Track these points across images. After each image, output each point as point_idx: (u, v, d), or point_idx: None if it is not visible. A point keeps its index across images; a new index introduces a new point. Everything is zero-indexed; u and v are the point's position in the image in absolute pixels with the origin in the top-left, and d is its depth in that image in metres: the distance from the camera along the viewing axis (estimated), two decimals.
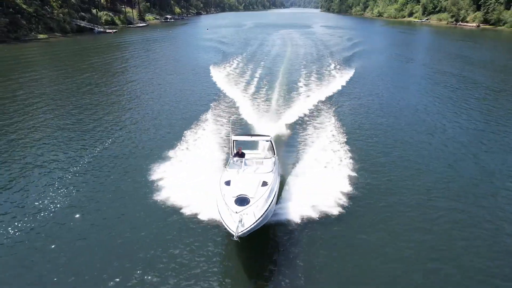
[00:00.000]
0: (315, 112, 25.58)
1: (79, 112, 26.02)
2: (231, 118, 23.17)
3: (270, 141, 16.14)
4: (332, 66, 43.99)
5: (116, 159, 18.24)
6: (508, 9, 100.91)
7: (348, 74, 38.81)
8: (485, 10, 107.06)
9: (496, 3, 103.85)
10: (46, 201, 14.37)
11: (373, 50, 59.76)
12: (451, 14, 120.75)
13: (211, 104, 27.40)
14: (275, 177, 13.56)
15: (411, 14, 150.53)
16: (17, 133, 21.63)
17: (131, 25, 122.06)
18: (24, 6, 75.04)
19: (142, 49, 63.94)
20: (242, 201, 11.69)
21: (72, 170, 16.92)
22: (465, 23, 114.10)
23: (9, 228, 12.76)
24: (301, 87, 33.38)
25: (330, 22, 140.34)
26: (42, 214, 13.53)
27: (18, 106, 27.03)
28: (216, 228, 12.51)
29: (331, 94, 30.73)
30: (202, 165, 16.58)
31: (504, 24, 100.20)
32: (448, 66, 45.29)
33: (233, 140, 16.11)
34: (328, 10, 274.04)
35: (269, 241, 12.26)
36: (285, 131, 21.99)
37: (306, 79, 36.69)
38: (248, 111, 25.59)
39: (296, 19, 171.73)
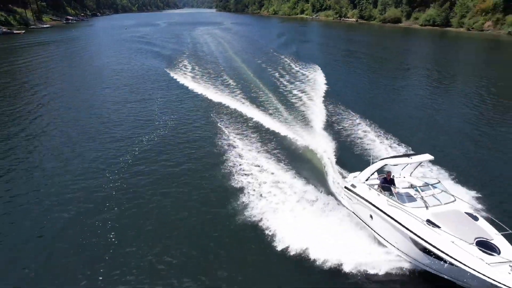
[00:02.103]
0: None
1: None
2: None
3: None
4: (291, 58, 51.87)
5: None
6: (376, 7, 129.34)
7: (315, 68, 44.08)
8: (360, 8, 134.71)
9: (367, 3, 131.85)
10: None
11: (298, 39, 76.00)
12: (335, 11, 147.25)
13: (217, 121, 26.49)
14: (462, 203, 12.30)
15: (302, 12, 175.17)
16: None
17: (35, 26, 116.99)
18: None
19: (75, 52, 67.42)
20: (486, 245, 10.09)
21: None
22: (346, 19, 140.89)
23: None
24: (285, 83, 37.25)
25: (236, 20, 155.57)
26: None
27: None
28: None
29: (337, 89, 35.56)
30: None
31: (374, 19, 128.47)
32: (336, 45, 63.10)
33: (385, 164, 14.04)
34: (224, 9, 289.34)
35: None
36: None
37: (285, 74, 41.62)
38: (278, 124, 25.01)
39: (201, 18, 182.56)
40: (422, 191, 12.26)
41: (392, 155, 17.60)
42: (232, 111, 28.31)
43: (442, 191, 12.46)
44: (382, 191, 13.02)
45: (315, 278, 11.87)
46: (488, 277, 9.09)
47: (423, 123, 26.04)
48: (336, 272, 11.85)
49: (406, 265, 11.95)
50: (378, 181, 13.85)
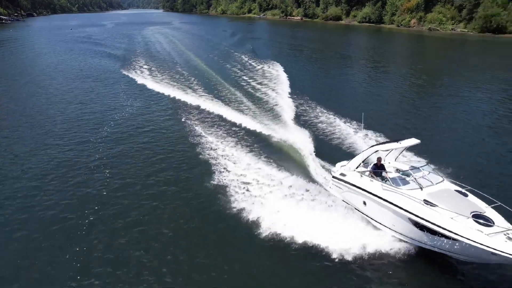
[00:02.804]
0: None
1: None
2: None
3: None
4: (244, 53, 55.73)
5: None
6: (318, 6, 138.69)
7: (273, 63, 46.70)
8: (304, 7, 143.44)
9: (310, 2, 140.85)
10: None
11: (251, 37, 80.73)
12: (281, 10, 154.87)
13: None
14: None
15: (250, 11, 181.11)
16: None
17: None
18: None
19: (17, 52, 66.78)
20: (482, 218, 10.83)
21: None
22: (292, 17, 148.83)
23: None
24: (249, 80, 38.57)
25: (185, 20, 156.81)
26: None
27: None
28: None
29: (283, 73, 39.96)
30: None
31: (317, 17, 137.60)
32: (288, 41, 69.47)
33: (377, 151, 14.51)
34: (172, 9, 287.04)
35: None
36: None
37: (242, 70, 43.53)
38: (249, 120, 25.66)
39: (149, 18, 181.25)
40: (414, 173, 12.87)
41: (359, 139, 20.83)
42: (200, 109, 28.39)
43: (430, 172, 13.27)
44: (375, 177, 13.50)
45: (317, 267, 12.08)
46: (489, 247, 9.79)
47: (370, 103, 31.30)
48: (334, 259, 12.19)
49: (402, 245, 12.54)
50: (364, 169, 14.36)
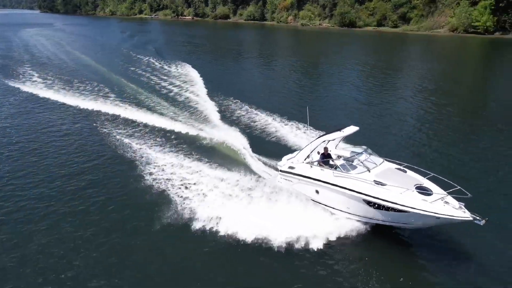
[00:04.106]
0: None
1: None
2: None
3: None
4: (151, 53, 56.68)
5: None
6: (207, 6, 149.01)
7: (181, 63, 47.75)
8: (194, 7, 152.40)
9: (199, 2, 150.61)
10: None
11: (148, 38, 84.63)
12: (172, 10, 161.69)
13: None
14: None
15: (141, 11, 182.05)
16: None
17: None
18: None
19: None
20: (423, 189, 12.34)
21: None
22: (183, 17, 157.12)
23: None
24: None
25: (70, 21, 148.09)
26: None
27: None
28: None
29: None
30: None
31: (207, 16, 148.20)
32: (180, 39, 78.63)
33: (324, 141, 15.28)
34: (51, 10, 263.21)
35: None
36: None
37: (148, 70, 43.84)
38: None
39: (25, 20, 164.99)
40: (358, 158, 14.06)
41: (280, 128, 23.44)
42: (118, 117, 26.96)
43: (371, 155, 14.49)
44: (324, 166, 14.39)
45: (275, 258, 12.45)
46: (434, 213, 11.37)
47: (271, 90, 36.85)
48: (292, 248, 12.72)
49: (358, 225, 13.64)
50: (312, 159, 15.04)
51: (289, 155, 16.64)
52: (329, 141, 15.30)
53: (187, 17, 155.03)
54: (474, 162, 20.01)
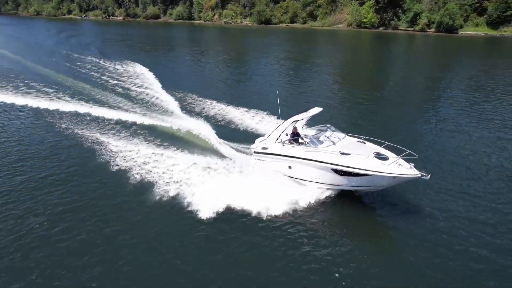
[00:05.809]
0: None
1: None
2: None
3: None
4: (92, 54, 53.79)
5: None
6: (138, 6, 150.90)
7: (127, 62, 47.26)
8: (125, 7, 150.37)
9: (130, 2, 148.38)
10: None
11: (85, 39, 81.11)
12: (103, 10, 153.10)
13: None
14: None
15: (70, 12, 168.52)
16: None
17: None
18: None
19: None
20: (381, 156, 13.67)
21: None
22: (115, 17, 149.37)
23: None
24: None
25: None
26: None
27: None
28: None
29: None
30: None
31: (139, 16, 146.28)
32: (118, 38, 77.74)
33: (293, 121, 16.08)
34: None
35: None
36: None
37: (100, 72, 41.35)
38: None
39: None
40: (324, 134, 15.33)
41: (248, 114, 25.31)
42: (76, 115, 26.13)
43: (334, 131, 15.82)
44: (295, 144, 15.42)
45: (256, 230, 13.36)
46: (391, 173, 12.95)
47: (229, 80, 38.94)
48: (269, 218, 13.89)
49: (327, 192, 15.15)
50: (283, 139, 15.93)
51: (261, 138, 17.50)
52: (298, 121, 16.10)
53: (118, 18, 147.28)
54: (413, 129, 23.63)
